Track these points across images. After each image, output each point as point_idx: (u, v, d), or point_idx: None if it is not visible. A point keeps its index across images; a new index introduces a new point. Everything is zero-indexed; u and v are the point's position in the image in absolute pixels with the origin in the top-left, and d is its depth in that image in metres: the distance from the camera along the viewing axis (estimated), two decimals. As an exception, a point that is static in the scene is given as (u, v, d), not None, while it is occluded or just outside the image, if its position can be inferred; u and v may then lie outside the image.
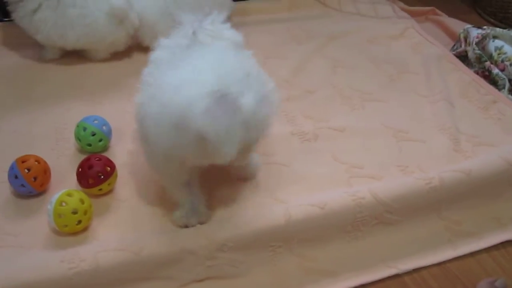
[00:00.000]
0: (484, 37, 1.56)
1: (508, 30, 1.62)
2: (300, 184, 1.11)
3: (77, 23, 1.39)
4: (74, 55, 1.48)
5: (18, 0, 1.38)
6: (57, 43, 1.43)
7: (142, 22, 1.47)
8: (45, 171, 1.03)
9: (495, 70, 1.50)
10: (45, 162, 1.04)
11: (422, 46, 1.62)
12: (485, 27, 1.61)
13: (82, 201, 0.95)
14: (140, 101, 0.90)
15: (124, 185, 1.07)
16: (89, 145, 1.13)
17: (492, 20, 2.05)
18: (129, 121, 1.23)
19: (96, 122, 1.14)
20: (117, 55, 1.50)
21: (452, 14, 1.96)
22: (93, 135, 1.12)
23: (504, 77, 1.49)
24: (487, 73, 1.52)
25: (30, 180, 1.00)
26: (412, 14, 1.86)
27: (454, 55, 1.62)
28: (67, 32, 1.40)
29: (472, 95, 1.43)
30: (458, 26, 1.74)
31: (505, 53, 1.52)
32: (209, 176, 1.10)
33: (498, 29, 1.61)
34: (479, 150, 1.24)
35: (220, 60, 0.90)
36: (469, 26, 1.63)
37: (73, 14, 1.38)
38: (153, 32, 1.45)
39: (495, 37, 1.57)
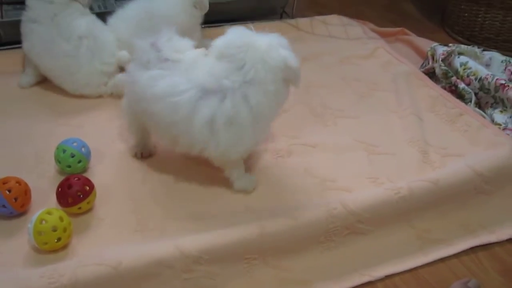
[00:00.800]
0: (449, 54, 1.62)
1: (473, 46, 1.69)
2: (273, 198, 1.15)
3: (61, 61, 1.42)
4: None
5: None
6: (34, 60, 1.45)
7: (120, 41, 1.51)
8: (26, 192, 1.06)
9: (461, 85, 1.57)
10: (25, 184, 1.06)
11: (392, 64, 1.68)
12: (450, 44, 1.68)
13: (61, 219, 0.98)
14: None
15: (103, 203, 1.10)
16: (69, 166, 1.16)
17: (459, 38, 2.13)
18: (107, 143, 1.27)
19: (75, 144, 1.17)
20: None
21: (421, 33, 2.03)
22: (73, 156, 1.16)
23: (470, 91, 1.55)
24: (454, 88, 1.58)
25: (11, 201, 1.03)
26: (383, 35, 1.93)
27: (423, 72, 1.69)
28: (49, 60, 1.44)
29: (440, 109, 1.49)
30: (426, 44, 1.81)
31: (470, 68, 1.58)
32: (188, 189, 1.15)
33: (463, 46, 1.68)
34: (447, 160, 1.29)
35: None
36: (436, 44, 1.70)
37: (59, 49, 1.41)
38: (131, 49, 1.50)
39: (460, 53, 1.64)
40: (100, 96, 1.47)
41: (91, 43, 1.43)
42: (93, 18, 1.49)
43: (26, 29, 1.43)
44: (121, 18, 1.54)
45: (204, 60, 1.08)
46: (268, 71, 1.02)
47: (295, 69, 1.05)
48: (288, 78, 1.06)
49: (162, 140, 1.16)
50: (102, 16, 1.55)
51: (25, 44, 1.45)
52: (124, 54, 1.47)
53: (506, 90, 1.48)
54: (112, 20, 1.54)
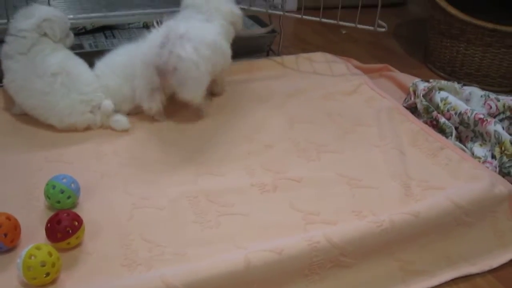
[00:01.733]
0: (430, 90, 1.68)
1: (453, 82, 1.75)
2: (259, 232, 1.17)
3: (39, 98, 1.45)
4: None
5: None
6: (15, 98, 1.48)
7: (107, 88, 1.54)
8: (16, 228, 1.08)
9: (442, 119, 1.61)
10: (15, 219, 1.09)
11: (375, 100, 1.73)
12: (431, 80, 1.73)
13: (50, 254, 1.00)
14: None
15: (91, 238, 1.12)
16: (58, 202, 1.18)
17: (441, 74, 2.19)
18: (96, 178, 1.30)
19: (64, 180, 1.20)
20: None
21: (404, 69, 2.09)
22: (62, 192, 1.18)
23: (451, 125, 1.60)
24: (435, 122, 1.63)
25: (1, 236, 1.04)
26: (367, 71, 1.99)
27: (406, 107, 1.74)
28: (27, 98, 1.47)
29: (421, 143, 1.53)
30: (409, 80, 1.86)
31: (450, 103, 1.63)
32: (175, 225, 1.17)
33: (443, 81, 1.73)
34: (428, 193, 1.33)
35: None
36: (417, 80, 1.76)
37: (34, 87, 1.44)
38: (118, 96, 1.54)
39: (440, 89, 1.69)
40: (88, 128, 1.50)
41: (65, 79, 1.46)
42: (65, 53, 1.52)
43: (4, 65, 1.47)
44: (108, 64, 1.57)
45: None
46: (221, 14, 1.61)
47: (238, 14, 1.65)
48: (233, 20, 1.64)
49: None
50: (94, 55, 1.59)
51: (5, 81, 1.49)
52: (108, 103, 1.49)
53: (485, 124, 1.53)
54: (100, 65, 1.57)
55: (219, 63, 1.56)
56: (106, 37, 1.95)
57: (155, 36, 1.47)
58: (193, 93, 1.48)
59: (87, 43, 1.89)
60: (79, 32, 1.91)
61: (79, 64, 1.52)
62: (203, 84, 1.48)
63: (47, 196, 1.19)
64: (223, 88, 1.73)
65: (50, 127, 1.49)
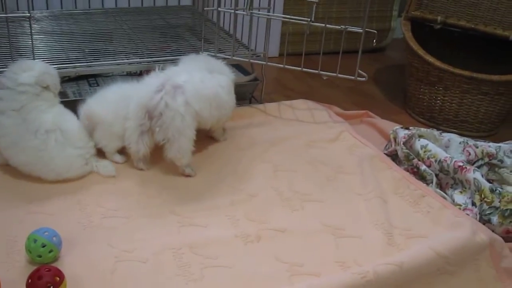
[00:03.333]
0: (410, 137, 1.71)
1: (432, 130, 1.78)
2: (243, 285, 1.17)
3: (32, 155, 1.44)
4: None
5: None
6: (5, 154, 1.47)
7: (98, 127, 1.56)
8: (-5, 285, 1.06)
9: (423, 167, 1.64)
10: (-5, 276, 1.07)
11: (356, 147, 1.75)
12: (411, 127, 1.76)
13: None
14: None
15: (74, 294, 1.11)
16: (39, 256, 1.17)
17: (421, 119, 2.24)
18: (78, 231, 1.29)
19: (46, 233, 1.18)
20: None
21: (385, 115, 2.13)
22: (44, 246, 1.17)
23: (431, 172, 1.62)
24: (416, 169, 1.65)
25: (-20, 295, 1.03)
26: (347, 118, 2.02)
27: (387, 154, 1.76)
28: (19, 154, 1.45)
29: (403, 191, 1.55)
30: (390, 126, 1.89)
31: (430, 151, 1.66)
32: (157, 281, 1.16)
33: (422, 129, 1.77)
34: (411, 242, 1.34)
35: None
36: (397, 127, 1.79)
37: (28, 144, 1.43)
38: (108, 135, 1.56)
39: (420, 136, 1.73)
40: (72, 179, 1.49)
41: (59, 136, 1.46)
42: (59, 110, 1.52)
43: None
44: (100, 100, 1.58)
45: None
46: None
47: None
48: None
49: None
50: (78, 103, 1.59)
51: None
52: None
53: (464, 172, 1.56)
54: (91, 101, 1.58)
55: (218, 114, 1.61)
56: (90, 85, 1.96)
57: (153, 81, 1.52)
58: (176, 150, 1.48)
59: (71, 90, 1.91)
60: (63, 79, 1.92)
61: (71, 119, 1.53)
62: (186, 137, 1.49)
63: (28, 250, 1.18)
64: (223, 135, 1.76)
65: (31, 177, 1.48)
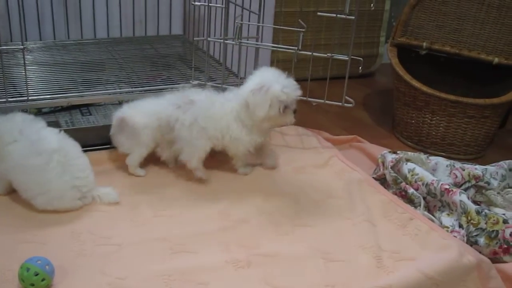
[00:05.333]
0: (398, 161, 1.74)
1: (419, 153, 1.82)
2: (234, 310, 1.19)
3: (33, 174, 1.46)
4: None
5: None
6: (6, 176, 1.49)
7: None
8: (-12, 315, 1.07)
9: (411, 190, 1.67)
10: (-12, 306, 1.08)
11: (345, 172, 1.78)
12: (399, 152, 1.80)
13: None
14: None
15: (66, 323, 1.12)
16: (32, 285, 1.18)
17: (409, 143, 2.27)
18: (71, 259, 1.30)
19: (39, 262, 1.20)
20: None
21: (373, 139, 2.17)
22: (36, 275, 1.18)
23: (419, 195, 1.65)
24: (403, 193, 1.68)
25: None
26: (336, 143, 2.05)
27: (375, 178, 1.79)
28: (20, 174, 1.47)
29: (391, 214, 1.57)
30: (378, 151, 1.93)
31: (417, 174, 1.69)
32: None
33: (410, 153, 1.80)
34: (399, 265, 1.36)
35: None
36: (385, 151, 1.82)
37: (30, 163, 1.45)
38: (135, 141, 1.68)
39: (407, 160, 1.76)
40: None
41: (62, 158, 1.47)
42: (63, 134, 1.55)
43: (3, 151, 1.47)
44: (137, 105, 1.72)
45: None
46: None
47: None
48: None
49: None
50: (71, 132, 1.60)
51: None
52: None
53: (451, 194, 1.59)
54: (126, 106, 1.73)
55: (222, 139, 1.67)
56: (82, 114, 1.98)
57: (173, 97, 1.70)
58: (186, 155, 1.66)
59: (63, 120, 1.93)
60: (55, 109, 1.95)
61: (75, 146, 1.55)
62: (193, 147, 1.65)
63: (21, 279, 1.19)
64: (238, 165, 1.76)
65: (24, 206, 1.49)
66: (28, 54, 2.17)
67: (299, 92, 1.62)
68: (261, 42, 1.99)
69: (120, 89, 1.95)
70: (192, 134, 1.64)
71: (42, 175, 1.45)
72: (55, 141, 1.49)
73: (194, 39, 2.08)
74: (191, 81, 1.92)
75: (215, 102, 1.66)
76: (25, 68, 1.73)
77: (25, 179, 1.47)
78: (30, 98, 1.75)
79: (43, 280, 1.19)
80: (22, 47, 1.70)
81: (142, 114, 1.68)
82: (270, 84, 1.58)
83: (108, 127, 1.76)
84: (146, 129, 1.66)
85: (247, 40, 1.97)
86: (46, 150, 1.46)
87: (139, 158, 1.69)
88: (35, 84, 1.90)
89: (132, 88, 1.95)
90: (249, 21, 1.98)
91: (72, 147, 1.54)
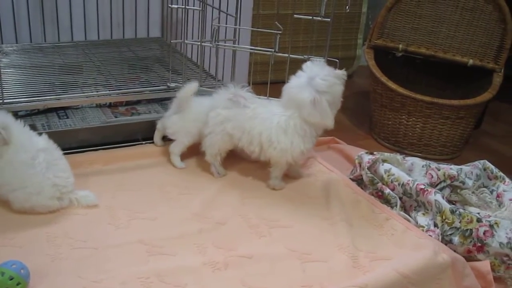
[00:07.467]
0: (374, 162, 1.76)
1: (395, 154, 1.84)
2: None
3: (17, 169, 1.45)
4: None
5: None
6: None
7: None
8: (-38, 320, 1.06)
9: (387, 190, 1.69)
10: (-38, 311, 1.07)
11: (322, 173, 1.80)
12: (375, 152, 1.82)
13: None
14: None
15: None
16: (7, 289, 1.17)
17: (386, 144, 2.30)
18: (47, 263, 1.29)
19: (14, 266, 1.19)
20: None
21: (351, 141, 2.19)
22: (11, 279, 1.17)
23: (395, 195, 1.67)
24: (380, 193, 1.70)
25: None
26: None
27: (352, 179, 1.81)
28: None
29: (368, 214, 1.59)
30: (356, 152, 1.94)
31: (393, 175, 1.71)
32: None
33: (386, 153, 1.82)
34: (375, 264, 1.38)
35: None
36: (362, 152, 1.84)
37: (17, 158, 1.45)
38: (184, 128, 1.78)
39: (384, 161, 1.78)
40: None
41: (48, 156, 1.49)
42: (46, 137, 1.56)
43: None
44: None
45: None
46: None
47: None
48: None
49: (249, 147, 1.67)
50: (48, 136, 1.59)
51: None
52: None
53: (426, 194, 1.61)
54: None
55: (267, 149, 1.67)
56: (59, 117, 1.97)
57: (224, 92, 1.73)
58: (204, 144, 1.74)
59: (40, 123, 1.91)
60: (32, 112, 1.94)
61: (57, 149, 1.56)
62: (211, 141, 1.72)
63: (-4, 284, 1.18)
64: (275, 175, 1.73)
65: (1, 208, 1.48)
66: (4, 57, 2.15)
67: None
68: (239, 44, 2.00)
69: (97, 92, 1.94)
70: (216, 129, 1.69)
71: (26, 170, 1.46)
72: (41, 141, 1.52)
73: (171, 41, 2.07)
74: (168, 84, 1.92)
75: (256, 118, 1.66)
76: (0, 71, 1.72)
77: (7, 174, 1.46)
78: (5, 101, 1.74)
79: (18, 284, 1.18)
80: (-3, 49, 1.69)
81: (200, 106, 1.77)
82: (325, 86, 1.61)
83: (85, 130, 1.75)
84: (195, 122, 1.75)
85: (225, 42, 1.97)
86: (33, 148, 1.48)
87: (183, 144, 1.78)
88: (11, 87, 1.88)
89: (109, 91, 1.95)
90: (226, 24, 1.99)
91: (55, 149, 1.55)
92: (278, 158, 1.66)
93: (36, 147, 1.49)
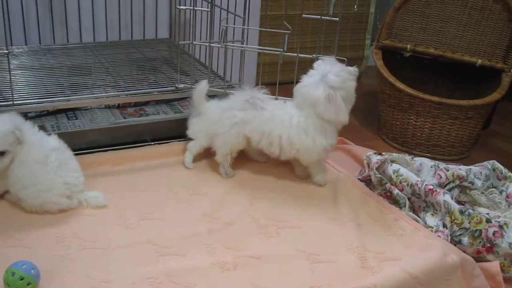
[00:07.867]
0: (383, 162, 1.76)
1: (404, 154, 1.84)
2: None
3: (30, 166, 1.47)
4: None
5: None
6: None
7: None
8: (-27, 320, 1.07)
9: (395, 191, 1.68)
10: (-27, 311, 1.08)
11: (331, 173, 1.79)
12: (384, 153, 1.81)
13: None
14: None
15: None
16: (18, 289, 1.18)
17: (394, 145, 2.29)
18: (56, 263, 1.30)
19: (24, 266, 1.20)
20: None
21: (360, 141, 2.19)
22: (22, 279, 1.18)
23: (404, 196, 1.67)
24: (389, 194, 1.70)
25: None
26: (322, 145, 2.06)
27: (361, 179, 1.81)
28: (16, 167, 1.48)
29: (376, 215, 1.59)
30: (364, 152, 1.93)
31: (402, 175, 1.71)
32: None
33: (394, 154, 1.82)
34: (384, 265, 1.37)
35: None
36: (371, 153, 1.84)
37: (30, 157, 1.47)
38: (201, 131, 1.79)
39: (392, 161, 1.78)
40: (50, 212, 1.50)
41: (60, 156, 1.52)
42: (57, 137, 1.58)
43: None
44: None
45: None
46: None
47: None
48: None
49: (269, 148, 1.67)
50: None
51: None
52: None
53: (435, 195, 1.60)
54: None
55: (287, 150, 1.67)
56: (68, 118, 1.98)
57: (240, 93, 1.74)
58: (215, 144, 1.74)
59: (49, 124, 1.92)
60: (41, 113, 1.95)
61: (68, 149, 1.58)
62: (222, 141, 1.71)
63: (6, 283, 1.19)
64: (315, 172, 1.74)
65: (10, 211, 1.49)
66: (13, 59, 2.17)
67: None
68: (247, 45, 2.00)
69: (106, 93, 1.95)
70: (231, 130, 1.69)
71: (38, 168, 1.48)
72: (53, 140, 1.54)
73: (180, 42, 2.08)
74: (176, 85, 1.92)
75: (274, 120, 1.66)
76: (10, 73, 1.73)
77: (21, 172, 1.48)
78: (15, 102, 1.75)
79: (28, 284, 1.19)
80: (6, 51, 1.70)
81: (218, 109, 1.76)
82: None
83: (94, 131, 1.76)
84: (211, 125, 1.74)
85: (233, 43, 1.98)
86: (46, 147, 1.51)
87: (199, 145, 1.78)
88: (21, 89, 1.89)
89: (118, 92, 1.96)
90: (234, 25, 1.99)
91: (66, 149, 1.58)
92: (306, 159, 1.68)
93: (48, 147, 1.52)
